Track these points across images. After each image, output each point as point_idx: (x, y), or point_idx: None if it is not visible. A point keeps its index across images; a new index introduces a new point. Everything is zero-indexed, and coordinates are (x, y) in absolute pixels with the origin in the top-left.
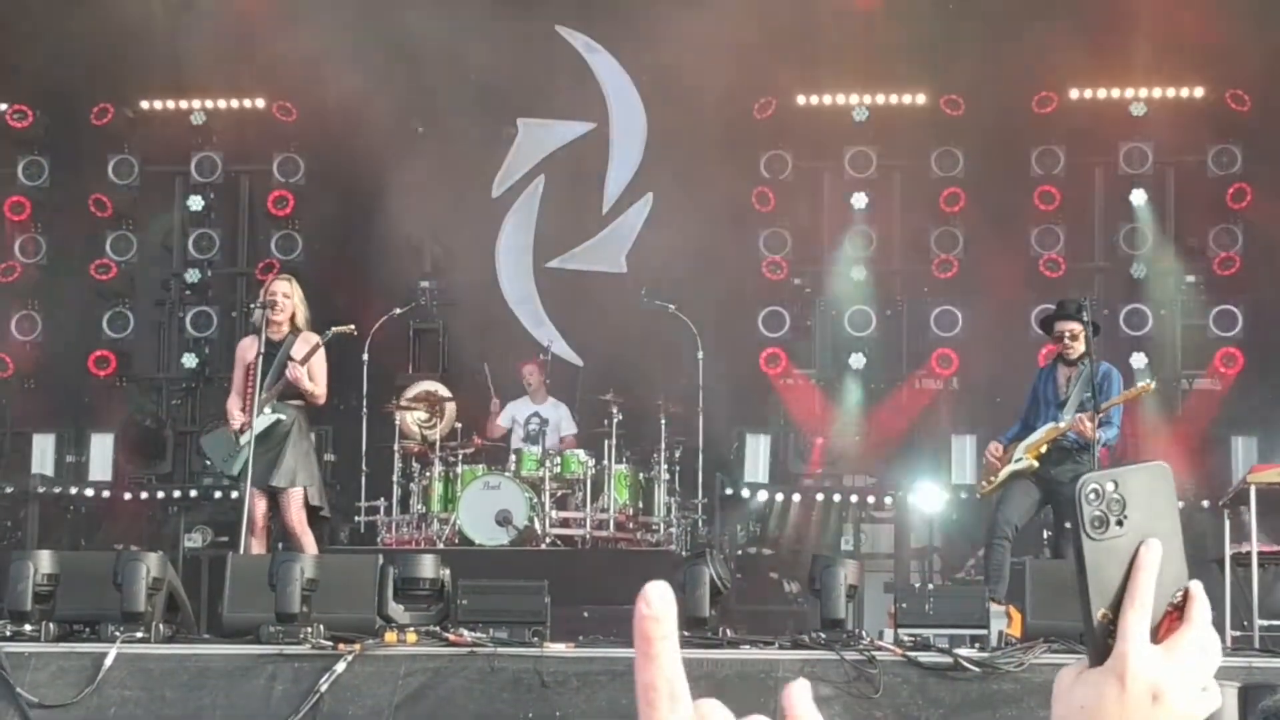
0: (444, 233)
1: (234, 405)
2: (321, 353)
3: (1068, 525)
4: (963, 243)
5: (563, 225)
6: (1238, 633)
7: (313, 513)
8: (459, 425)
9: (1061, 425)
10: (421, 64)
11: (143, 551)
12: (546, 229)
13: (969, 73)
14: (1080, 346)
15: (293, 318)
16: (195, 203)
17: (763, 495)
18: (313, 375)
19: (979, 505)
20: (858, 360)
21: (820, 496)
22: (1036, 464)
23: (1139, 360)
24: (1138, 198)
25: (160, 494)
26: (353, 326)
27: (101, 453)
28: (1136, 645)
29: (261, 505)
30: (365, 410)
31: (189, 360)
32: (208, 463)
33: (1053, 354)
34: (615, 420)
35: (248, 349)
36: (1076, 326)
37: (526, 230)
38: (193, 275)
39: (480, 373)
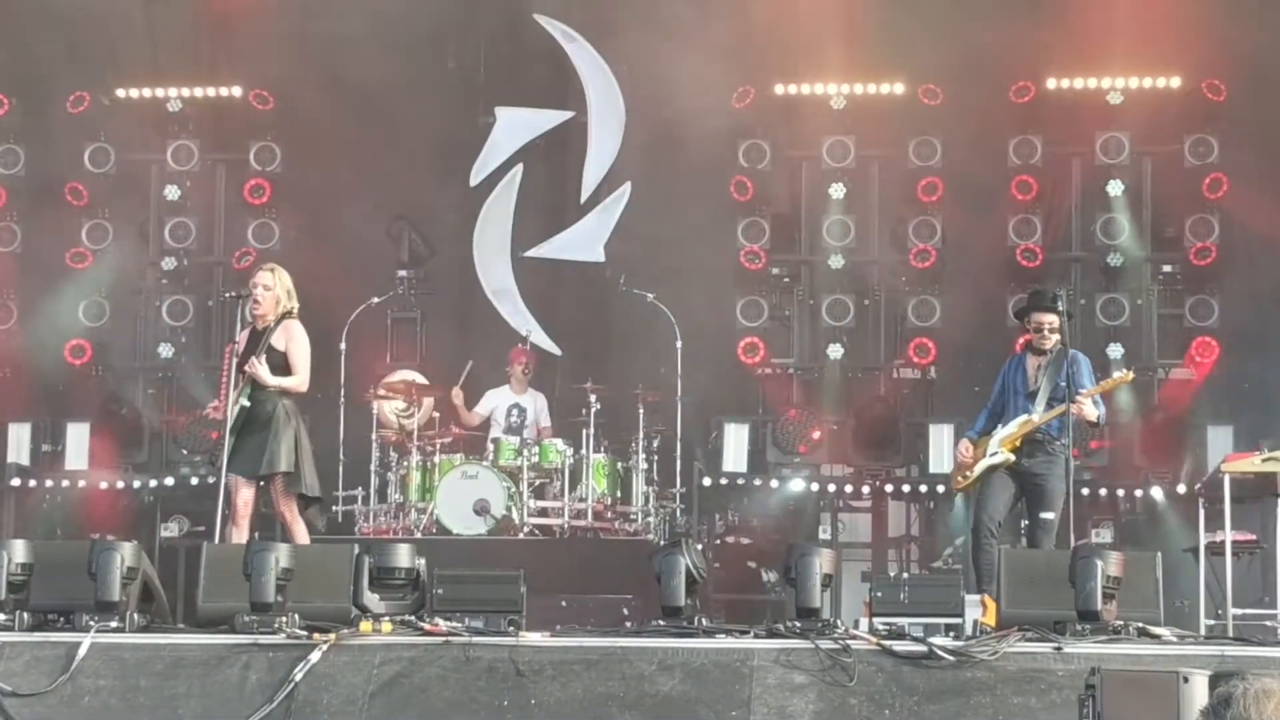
0: (422, 221)
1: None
2: (304, 341)
3: (1042, 515)
4: (940, 232)
5: (541, 214)
6: (1212, 621)
7: (307, 498)
8: (437, 415)
9: (1035, 419)
10: (399, 52)
11: (118, 541)
12: (524, 218)
13: (947, 62)
14: (1056, 338)
15: (279, 306)
16: (171, 191)
17: (741, 484)
18: (293, 364)
19: (956, 495)
20: (836, 350)
21: (798, 485)
22: (1013, 457)
23: (1116, 350)
24: (1114, 188)
25: (136, 483)
26: (295, 306)
27: (77, 442)
28: None
29: (246, 494)
30: (343, 399)
31: (165, 349)
32: (212, 463)
33: (1029, 342)
34: (593, 410)
35: (242, 343)
36: (1054, 319)
37: (504, 219)
38: (169, 264)
39: (461, 364)
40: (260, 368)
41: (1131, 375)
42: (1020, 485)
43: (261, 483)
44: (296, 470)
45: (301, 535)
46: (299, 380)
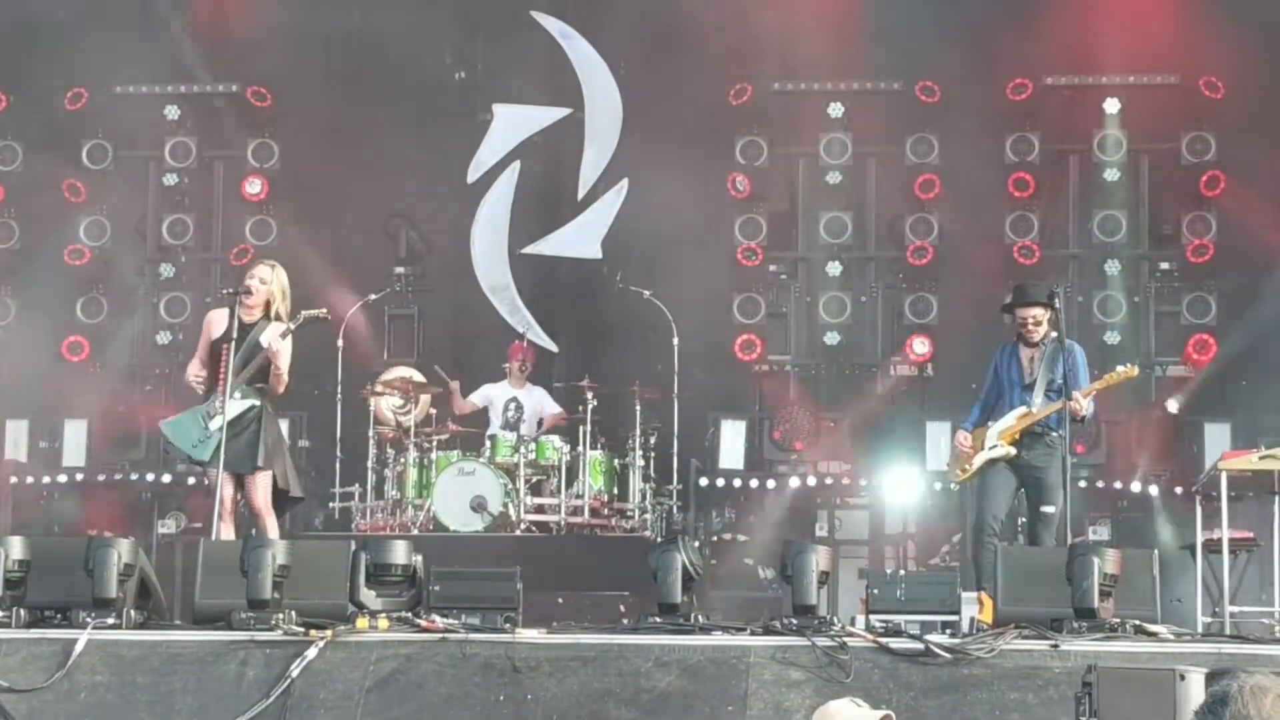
0: (419, 219)
1: (193, 369)
2: (288, 342)
3: (1043, 509)
4: (938, 229)
5: (538, 211)
6: (1209, 618)
7: (281, 494)
8: (433, 411)
9: (1035, 411)
10: (397, 49)
11: (115, 537)
12: (521, 215)
13: (944, 59)
14: (1042, 331)
15: (269, 305)
16: (170, 179)
17: (737, 481)
18: (277, 364)
19: (953, 492)
20: (833, 346)
21: (795, 483)
22: (1013, 450)
23: (1113, 337)
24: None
25: (134, 479)
26: (325, 310)
27: (75, 439)
28: None
29: (230, 489)
30: (340, 396)
31: (163, 336)
32: (169, 448)
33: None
34: (590, 406)
35: (216, 323)
36: (1040, 312)
37: (501, 216)
38: (167, 265)
39: (459, 361)
40: (277, 341)
41: (1135, 371)
42: (1020, 478)
43: (241, 477)
44: (270, 467)
45: (272, 529)
46: (284, 375)
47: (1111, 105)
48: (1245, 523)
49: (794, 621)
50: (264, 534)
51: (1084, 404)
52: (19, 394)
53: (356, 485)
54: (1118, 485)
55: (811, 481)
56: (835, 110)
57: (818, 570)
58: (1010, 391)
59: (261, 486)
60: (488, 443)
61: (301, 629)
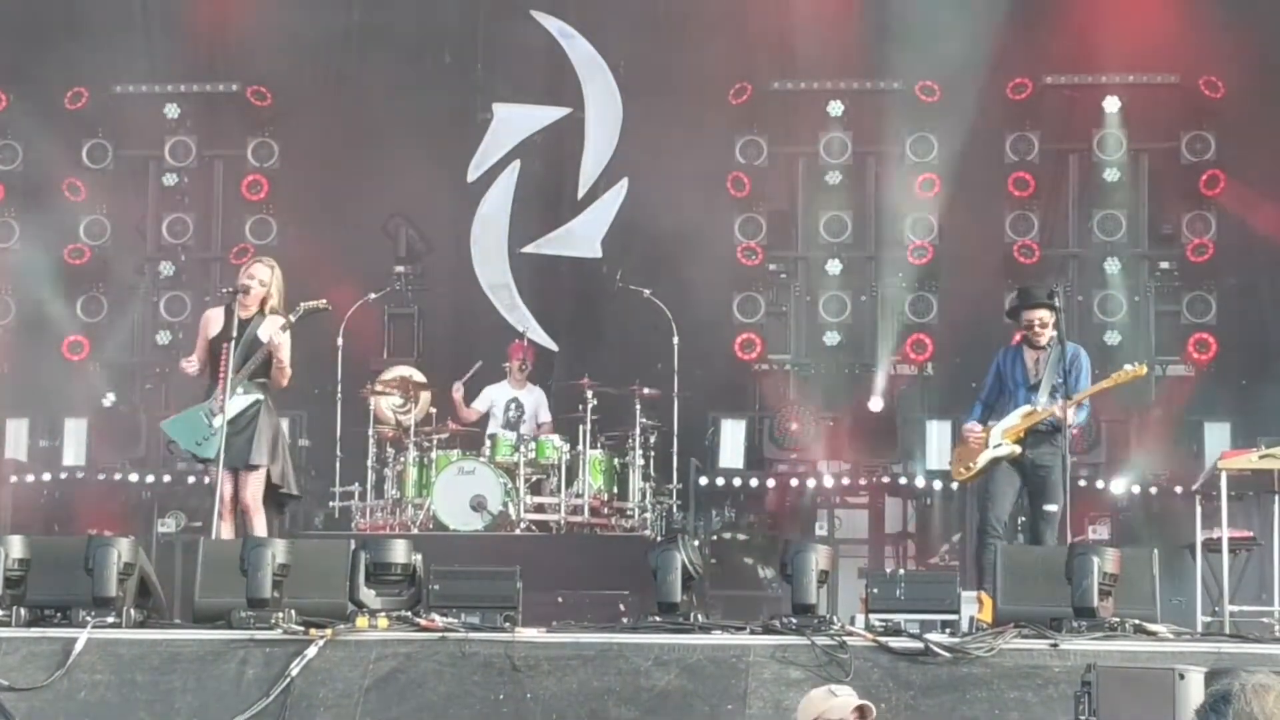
0: (419, 218)
1: (187, 365)
2: (288, 333)
3: (1045, 508)
4: (938, 229)
5: (538, 210)
6: (1208, 618)
7: (277, 490)
8: (434, 410)
9: (1039, 410)
10: (397, 48)
11: (115, 537)
12: (521, 214)
13: (944, 59)
14: (1048, 334)
15: (265, 302)
16: (169, 179)
17: (737, 481)
18: (279, 358)
19: (953, 492)
20: (833, 346)
21: (795, 482)
22: (1018, 449)
23: (1113, 337)
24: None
25: (134, 478)
26: (325, 301)
27: (75, 438)
28: None
29: (230, 487)
30: (340, 395)
31: (163, 336)
32: (171, 447)
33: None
34: (590, 405)
35: (213, 321)
36: (1046, 314)
37: (501, 215)
38: (166, 265)
39: (457, 360)
40: (278, 334)
41: (1144, 369)
42: (1024, 476)
43: (240, 474)
44: (267, 463)
45: (260, 526)
46: (287, 366)
47: (1111, 105)
48: (1245, 522)
49: (794, 621)
50: (253, 531)
51: (1070, 414)
52: (19, 393)
53: (356, 484)
54: (1118, 485)
55: (811, 482)
56: (835, 109)
57: (818, 570)
58: (1015, 391)
59: (254, 482)
60: (488, 442)
61: (301, 628)
